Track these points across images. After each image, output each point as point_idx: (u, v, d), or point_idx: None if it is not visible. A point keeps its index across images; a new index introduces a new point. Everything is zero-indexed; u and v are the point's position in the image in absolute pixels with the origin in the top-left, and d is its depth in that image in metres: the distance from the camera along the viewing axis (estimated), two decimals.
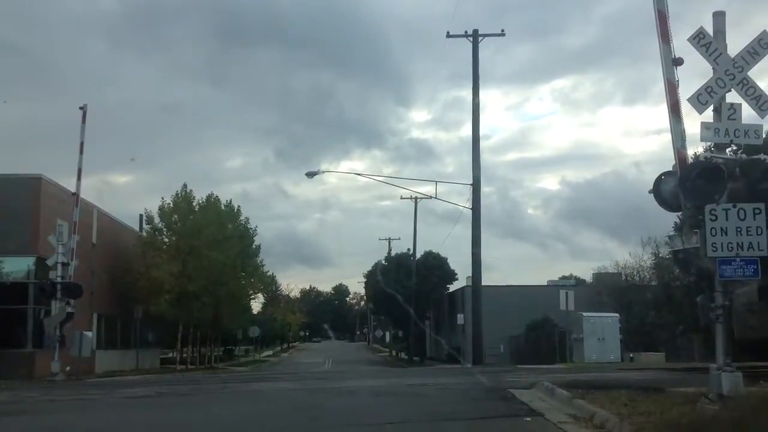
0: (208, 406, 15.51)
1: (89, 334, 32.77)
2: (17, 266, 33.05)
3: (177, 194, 45.91)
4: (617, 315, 37.97)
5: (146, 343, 47.35)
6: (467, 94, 39.04)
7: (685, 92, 11.16)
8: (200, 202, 46.85)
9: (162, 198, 46.27)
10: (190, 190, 46.39)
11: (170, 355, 51.29)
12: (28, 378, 29.01)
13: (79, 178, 31.80)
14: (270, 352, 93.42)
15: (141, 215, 49.12)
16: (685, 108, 11.15)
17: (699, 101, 11.09)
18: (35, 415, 14.91)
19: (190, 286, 42.57)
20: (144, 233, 46.93)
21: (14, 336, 31.77)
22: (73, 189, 32.15)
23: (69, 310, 30.04)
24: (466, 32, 39.43)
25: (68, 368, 29.93)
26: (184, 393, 19.46)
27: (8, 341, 31.30)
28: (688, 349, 37.76)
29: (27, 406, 16.77)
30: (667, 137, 11.19)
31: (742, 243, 10.33)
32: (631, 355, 36.12)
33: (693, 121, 11.49)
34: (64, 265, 29.91)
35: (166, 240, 45.10)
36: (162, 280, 41.15)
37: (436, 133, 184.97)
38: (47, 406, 16.60)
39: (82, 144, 31.66)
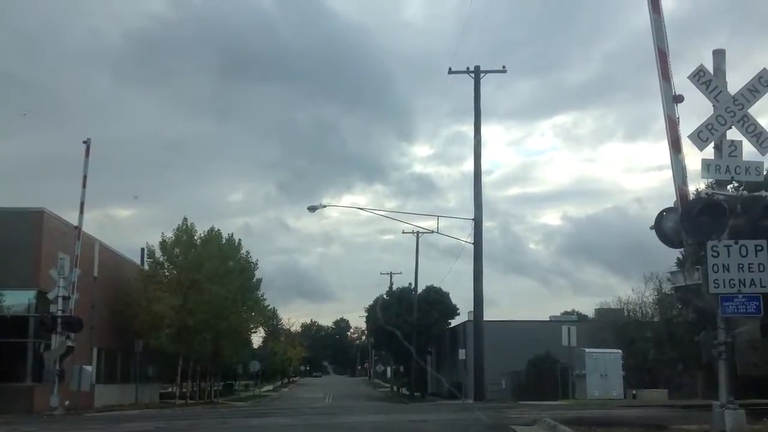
0: None
1: (89, 368, 32.58)
2: (18, 300, 32.93)
3: (178, 228, 45.94)
4: (620, 351, 37.71)
5: (146, 377, 47.07)
6: (469, 129, 39.45)
7: (685, 129, 11.25)
8: (201, 235, 46.88)
9: (162, 233, 46.29)
10: (191, 224, 46.44)
11: (170, 389, 50.98)
12: (27, 412, 28.79)
13: (81, 212, 31.81)
14: (270, 387, 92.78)
15: (143, 249, 49.12)
16: (686, 144, 11.22)
17: (700, 138, 11.17)
18: None
19: (191, 320, 42.42)
20: (146, 267, 46.87)
21: (14, 370, 31.56)
22: (75, 222, 32.14)
23: (69, 344, 29.87)
24: (468, 68, 39.72)
25: (67, 402, 29.70)
26: (184, 428, 19.31)
27: (8, 375, 31.10)
28: (690, 385, 37.44)
29: None
30: (669, 173, 11.28)
31: (744, 279, 10.33)
32: (634, 391, 35.79)
33: (694, 158, 11.56)
34: (65, 298, 29.80)
35: (168, 274, 45.00)
36: (163, 314, 41.00)
37: (438, 167, 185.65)
38: None
39: (85, 177, 31.70)
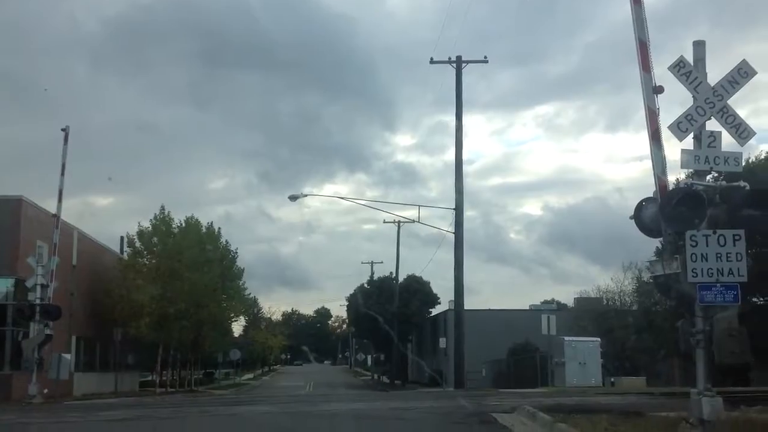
0: (188, 429, 15.37)
1: (67, 356, 32.39)
2: None
3: (155, 217, 45.69)
4: (598, 339, 38.04)
5: (125, 365, 46.90)
6: (451, 119, 39.44)
7: (665, 120, 11.30)
8: (179, 224, 46.67)
9: (139, 222, 45.99)
10: (168, 213, 46.22)
11: (150, 378, 50.78)
12: (6, 400, 28.63)
13: (60, 200, 31.54)
14: (251, 376, 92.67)
15: (122, 237, 48.86)
16: (666, 135, 11.28)
17: (679, 129, 11.23)
18: None
19: (171, 309, 42.26)
20: (125, 256, 46.62)
21: None
22: (53, 210, 31.88)
23: (47, 332, 29.68)
24: (449, 58, 39.66)
25: (46, 391, 29.55)
26: (164, 417, 19.26)
27: None
28: (668, 373, 37.89)
29: (3, 429, 16.53)
30: (649, 164, 11.33)
31: (722, 269, 10.42)
32: (612, 379, 36.16)
33: (674, 148, 11.62)
34: (44, 287, 29.62)
35: (147, 262, 44.76)
36: (142, 302, 40.81)
37: (420, 157, 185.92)
38: (23, 429, 16.38)
39: (63, 165, 31.44)
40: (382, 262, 74.27)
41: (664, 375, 38.20)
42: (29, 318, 29.70)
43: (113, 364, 43.63)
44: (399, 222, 59.54)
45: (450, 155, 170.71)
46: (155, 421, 17.82)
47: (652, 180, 11.30)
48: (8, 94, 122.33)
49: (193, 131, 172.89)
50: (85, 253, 40.41)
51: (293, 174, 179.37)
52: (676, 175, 15.49)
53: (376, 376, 78.57)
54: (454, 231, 39.00)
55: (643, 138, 11.43)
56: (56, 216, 31.40)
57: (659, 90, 11.24)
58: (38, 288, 29.49)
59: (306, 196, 45.21)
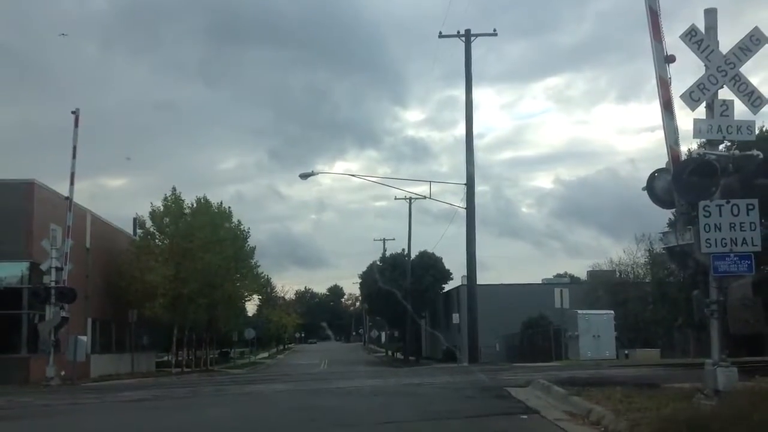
0: (205, 408, 15.49)
1: (84, 338, 32.66)
2: (11, 271, 32.94)
3: (166, 198, 45.84)
4: (612, 312, 38.03)
5: (141, 346, 47.25)
6: (461, 93, 39.37)
7: (677, 89, 11.17)
8: (191, 205, 46.81)
9: (151, 203, 46.20)
10: (180, 193, 46.35)
11: (166, 358, 51.19)
12: (24, 383, 28.91)
13: (72, 183, 31.70)
14: (266, 354, 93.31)
15: (134, 219, 49.03)
16: (679, 104, 11.17)
17: (691, 98, 11.10)
18: (32, 419, 14.88)
19: (185, 289, 42.48)
20: (137, 237, 46.83)
21: (9, 341, 31.67)
22: (66, 193, 32.04)
23: (63, 314, 29.96)
24: (458, 32, 39.47)
25: (63, 373, 29.84)
26: (181, 396, 19.43)
27: (3, 346, 31.23)
28: (683, 345, 37.85)
29: (23, 411, 16.71)
30: (661, 134, 11.21)
31: (735, 239, 10.36)
32: (626, 351, 36.16)
33: (686, 118, 11.51)
34: (58, 269, 29.84)
35: (159, 243, 44.97)
36: (156, 283, 41.04)
37: (431, 132, 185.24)
38: (43, 411, 16.55)
39: (74, 148, 31.54)
40: (394, 239, 74.39)
41: (678, 347, 38.16)
42: (45, 301, 29.91)
43: (129, 346, 43.97)
44: (410, 198, 59.52)
45: (461, 130, 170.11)
46: (172, 401, 17.97)
47: (664, 151, 11.21)
48: (18, 74, 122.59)
49: (203, 110, 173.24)
50: (99, 235, 40.59)
51: (304, 151, 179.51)
52: (688, 145, 15.35)
53: (390, 353, 78.89)
54: (465, 206, 38.96)
55: (655, 108, 11.32)
56: (69, 199, 31.54)
57: (671, 59, 11.11)
58: (53, 271, 29.70)
59: (317, 174, 45.42)
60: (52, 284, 29.60)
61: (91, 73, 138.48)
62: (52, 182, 35.44)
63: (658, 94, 11.18)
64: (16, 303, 32.02)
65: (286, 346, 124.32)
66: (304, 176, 42.87)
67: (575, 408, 11.37)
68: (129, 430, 12.58)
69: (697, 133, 11.13)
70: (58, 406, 17.41)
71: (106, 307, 40.95)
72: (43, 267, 29.99)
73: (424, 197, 46.54)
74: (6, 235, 31.59)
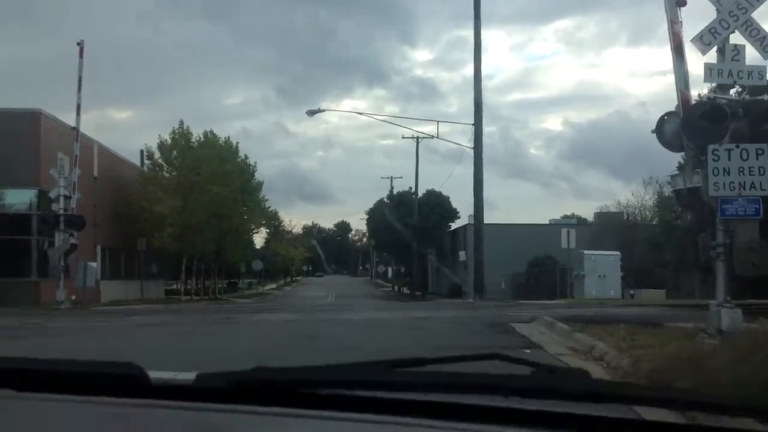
0: (214, 333, 15.72)
1: (93, 264, 32.98)
2: (20, 198, 33.21)
3: (174, 131, 45.80)
4: (618, 253, 38.11)
5: (151, 274, 47.72)
6: (470, 33, 38.49)
7: (689, 33, 11.04)
8: (198, 138, 46.79)
9: (159, 135, 46.19)
10: (187, 127, 46.31)
11: (175, 286, 51.75)
12: (34, 306, 29.32)
13: (78, 114, 31.63)
14: (274, 286, 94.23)
15: (142, 151, 49.04)
16: (690, 49, 11.03)
17: (702, 42, 10.94)
18: (43, 338, 15.13)
19: (193, 220, 42.69)
20: (145, 168, 46.92)
21: (19, 266, 32.05)
22: (72, 124, 32.03)
23: (72, 241, 30.19)
24: None
25: (73, 297, 30.23)
26: (190, 322, 19.70)
27: (13, 271, 31.57)
28: (688, 287, 38.02)
29: (33, 331, 16.98)
30: (673, 78, 11.11)
31: (744, 183, 10.33)
32: (632, 292, 36.39)
33: (697, 62, 11.38)
34: (66, 197, 29.97)
35: (167, 175, 45.08)
36: (164, 214, 41.28)
37: (440, 72, 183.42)
38: (52, 331, 16.82)
39: (80, 80, 31.42)
40: (401, 177, 74.10)
41: (684, 289, 38.35)
42: (54, 227, 30.10)
43: (139, 273, 44.42)
44: (418, 137, 59.10)
45: (469, 70, 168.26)
46: (179, 326, 18.21)
47: (675, 95, 11.13)
48: (23, 7, 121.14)
49: (208, 45, 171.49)
50: (106, 165, 40.66)
51: (312, 89, 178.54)
52: (699, 90, 15.18)
53: (396, 288, 79.53)
54: (473, 146, 38.74)
55: (667, 52, 11.19)
56: (75, 129, 31.52)
57: (682, 2, 10.96)
58: (61, 199, 29.84)
59: (324, 111, 45.06)
60: (61, 211, 29.77)
61: (98, 5, 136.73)
62: (58, 114, 35.38)
63: (669, 38, 11.04)
64: (26, 229, 32.32)
65: (293, 279, 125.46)
66: (311, 113, 42.66)
67: (578, 344, 11.48)
68: (138, 351, 12.78)
69: (707, 77, 11.02)
70: (69, 329, 17.67)
71: (115, 235, 41.25)
72: (52, 195, 30.13)
73: (432, 137, 46.28)
74: (14, 162, 31.70)
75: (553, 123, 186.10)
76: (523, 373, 1.62)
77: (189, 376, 1.60)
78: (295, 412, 1.43)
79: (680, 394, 1.56)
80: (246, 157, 52.03)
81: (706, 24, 10.96)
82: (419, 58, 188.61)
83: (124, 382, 1.53)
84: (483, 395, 1.52)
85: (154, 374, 1.58)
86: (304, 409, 1.46)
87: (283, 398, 1.53)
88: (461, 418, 1.43)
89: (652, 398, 1.55)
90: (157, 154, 45.56)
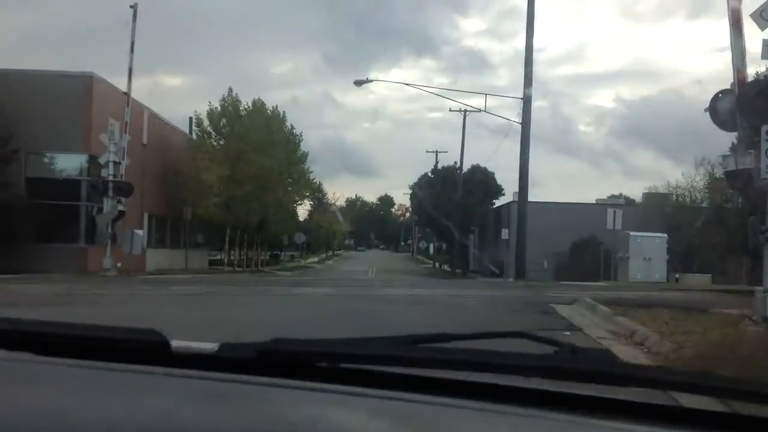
0: (254, 306, 15.89)
1: (140, 232, 33.48)
2: (70, 163, 33.78)
3: (224, 98, 46.13)
4: (665, 235, 37.53)
5: (195, 244, 48.36)
6: (524, 3, 37.91)
7: (750, 7, 10.70)
8: (246, 107, 47.04)
9: (210, 102, 46.59)
10: (236, 95, 46.58)
11: (218, 257, 52.43)
12: (81, 272, 29.95)
13: (129, 79, 31.92)
14: (315, 259, 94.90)
15: (191, 118, 49.48)
16: (749, 24, 10.70)
17: (762, 17, 10.60)
18: (88, 306, 15.43)
19: (238, 191, 43.09)
20: (194, 136, 47.36)
21: (67, 231, 32.68)
22: (124, 89, 32.35)
23: (120, 208, 30.67)
24: None
25: (120, 264, 30.77)
26: (231, 293, 19.94)
27: (62, 236, 32.24)
28: (735, 272, 37.34)
29: (79, 298, 17.33)
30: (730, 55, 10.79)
31: None
32: (677, 275, 35.84)
33: (757, 39, 11.04)
34: (116, 164, 30.37)
35: (215, 143, 45.50)
36: (211, 183, 41.71)
37: (490, 43, 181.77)
38: (98, 299, 17.16)
39: (132, 44, 31.63)
40: (446, 152, 73.96)
41: (731, 273, 37.68)
42: (103, 194, 30.57)
43: (184, 242, 45.04)
44: (465, 111, 58.65)
45: (521, 42, 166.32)
46: (222, 297, 18.45)
47: (732, 73, 10.83)
48: None
49: (259, 10, 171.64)
50: (155, 132, 41.13)
51: (360, 57, 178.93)
52: (757, 68, 14.77)
53: (437, 265, 79.53)
54: (521, 121, 38.36)
55: (727, 27, 10.85)
56: (127, 94, 31.86)
57: None
58: (111, 165, 30.25)
59: (371, 81, 44.84)
60: (110, 178, 30.21)
61: None
62: (110, 78, 35.76)
63: (728, 12, 10.73)
64: (75, 194, 32.91)
65: (335, 252, 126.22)
66: (359, 83, 42.54)
67: (619, 328, 11.35)
68: (182, 320, 12.97)
69: (766, 53, 10.67)
70: (116, 296, 18.02)
71: (162, 203, 41.82)
72: (101, 161, 30.57)
73: (480, 110, 45.94)
74: (65, 127, 32.20)
75: (605, 99, 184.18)
76: (546, 353, 1.58)
77: (213, 345, 1.59)
78: (314, 386, 1.42)
79: (709, 380, 1.50)
80: (292, 127, 52.32)
81: None
82: (470, 28, 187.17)
83: (145, 349, 1.53)
84: (503, 374, 1.49)
85: (180, 343, 1.58)
86: (323, 383, 1.44)
87: (304, 370, 1.51)
88: (480, 397, 1.41)
89: (676, 382, 1.50)
90: (206, 122, 45.98)
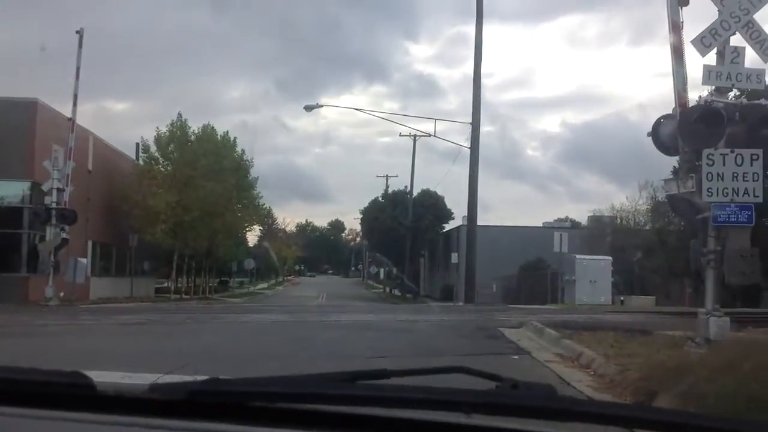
0: (200, 334, 15.63)
1: (84, 260, 32.79)
2: (12, 190, 32.98)
3: (172, 123, 45.62)
4: (610, 258, 38.10)
5: (141, 271, 47.52)
6: (472, 29, 38.48)
7: (690, 34, 10.96)
8: (196, 132, 46.58)
9: (157, 127, 45.98)
10: (185, 120, 46.09)
11: (165, 284, 51.58)
12: (23, 302, 29.15)
13: (75, 104, 31.45)
14: (265, 285, 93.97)
15: (138, 143, 48.79)
16: (690, 51, 10.96)
17: (702, 43, 10.87)
18: (26, 338, 15.01)
19: (186, 216, 42.54)
20: (141, 162, 46.71)
21: (9, 260, 31.82)
22: (68, 114, 31.82)
23: (64, 236, 30.01)
24: None
25: (62, 294, 30.03)
26: (177, 322, 19.59)
27: (2, 265, 31.35)
28: (678, 294, 38.07)
29: (19, 329, 16.85)
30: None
31: (737, 189, 10.27)
32: (622, 298, 36.40)
33: (697, 65, 11.32)
34: (59, 190, 29.77)
35: (163, 169, 44.90)
36: (158, 209, 41.06)
37: (439, 69, 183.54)
38: (39, 330, 16.70)
39: (78, 69, 31.23)
40: (397, 176, 74.01)
41: (674, 295, 38.40)
42: (45, 221, 29.90)
43: (129, 270, 44.23)
44: (415, 136, 59.05)
45: (469, 67, 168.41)
46: (167, 326, 18.12)
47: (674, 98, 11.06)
48: None
49: (210, 36, 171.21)
50: (101, 158, 40.45)
51: (311, 84, 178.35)
52: (698, 92, 15.16)
53: (387, 290, 79.47)
54: (470, 146, 38.73)
55: (668, 53, 11.11)
56: (72, 120, 31.34)
57: (684, 2, 10.88)
58: (54, 192, 29.63)
59: (321, 106, 44.99)
60: (53, 205, 29.57)
61: None
62: (54, 103, 35.13)
63: (669, 38, 10.98)
64: (17, 222, 32.11)
65: (285, 278, 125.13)
66: (309, 108, 42.58)
67: (566, 351, 11.44)
68: (124, 351, 12.68)
69: (706, 79, 10.94)
70: (55, 326, 17.56)
71: (106, 230, 41.05)
72: (45, 187, 29.93)
73: (429, 135, 46.20)
74: (8, 154, 31.43)
75: (551, 123, 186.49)
76: (488, 387, 1.57)
77: (144, 384, 1.54)
78: (246, 430, 1.38)
79: (648, 413, 1.50)
80: (243, 152, 51.99)
81: (707, 24, 10.89)
82: (420, 54, 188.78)
83: (71, 392, 1.47)
84: (444, 411, 1.47)
85: (108, 383, 1.52)
86: (257, 426, 1.40)
87: (238, 411, 1.47)
88: None
89: (616, 416, 1.49)
90: (153, 148, 45.37)
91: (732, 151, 10.28)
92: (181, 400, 1.45)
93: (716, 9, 10.86)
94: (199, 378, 1.55)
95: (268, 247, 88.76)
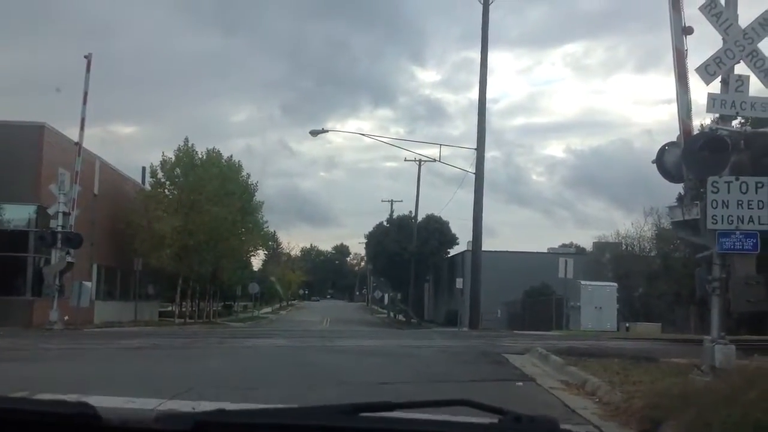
0: (204, 358, 15.59)
1: (88, 284, 32.82)
2: (18, 214, 33.09)
3: (179, 148, 45.85)
4: (615, 284, 38.00)
5: (145, 295, 47.53)
6: (478, 55, 38.74)
7: (694, 62, 11.01)
8: (202, 156, 46.78)
9: (163, 153, 46.24)
10: (192, 144, 46.33)
11: (169, 308, 51.55)
12: (27, 326, 29.14)
13: (82, 128, 31.67)
14: (269, 309, 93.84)
15: (144, 168, 49.06)
16: (694, 78, 11.01)
17: (707, 72, 10.91)
18: (31, 362, 14.99)
19: (191, 241, 42.62)
20: (147, 186, 46.88)
21: (14, 284, 31.91)
22: (75, 138, 32.00)
23: (69, 259, 30.05)
24: None
25: (66, 317, 30.01)
26: (180, 346, 19.55)
27: (7, 289, 31.43)
28: (683, 321, 37.91)
29: (24, 353, 16.84)
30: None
31: (742, 216, 10.26)
32: (627, 324, 36.24)
33: (702, 92, 11.37)
34: (65, 214, 29.88)
35: (168, 194, 45.06)
36: (163, 233, 41.15)
37: (446, 94, 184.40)
38: (43, 354, 16.69)
39: (86, 94, 31.44)
40: (401, 201, 74.34)
41: (680, 322, 38.23)
42: (51, 245, 29.97)
43: (134, 294, 44.22)
44: (420, 161, 59.23)
45: (475, 93, 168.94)
46: (171, 350, 18.08)
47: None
48: (31, 17, 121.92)
49: (218, 59, 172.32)
50: (107, 182, 40.62)
51: (317, 107, 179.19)
52: (702, 120, 15.20)
53: (392, 314, 79.30)
54: (475, 171, 38.81)
55: (673, 80, 11.15)
56: (78, 144, 31.51)
57: (688, 31, 10.93)
58: (60, 215, 29.74)
59: (327, 131, 45.12)
60: (59, 229, 29.65)
61: (105, 17, 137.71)
62: (62, 127, 35.38)
63: (674, 66, 11.02)
64: (23, 246, 32.19)
65: (289, 303, 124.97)
66: (315, 133, 42.76)
67: (571, 378, 11.39)
68: (128, 375, 12.67)
69: (710, 107, 10.97)
70: (59, 350, 17.54)
71: (112, 254, 41.11)
72: (51, 211, 30.04)
73: (434, 160, 46.37)
74: (15, 177, 31.61)
75: (556, 149, 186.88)
76: (491, 420, 1.58)
77: (150, 414, 1.55)
78: None
79: None
80: (248, 176, 52.15)
81: (712, 52, 10.95)
82: (427, 78, 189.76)
83: (76, 424, 1.49)
84: None
85: (115, 411, 1.54)
86: None
87: None
88: None
89: None
90: (159, 172, 45.56)
91: (737, 179, 10.28)
92: (185, 430, 1.46)
93: (720, 38, 10.92)
94: (204, 403, 1.56)
95: (274, 281, 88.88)
